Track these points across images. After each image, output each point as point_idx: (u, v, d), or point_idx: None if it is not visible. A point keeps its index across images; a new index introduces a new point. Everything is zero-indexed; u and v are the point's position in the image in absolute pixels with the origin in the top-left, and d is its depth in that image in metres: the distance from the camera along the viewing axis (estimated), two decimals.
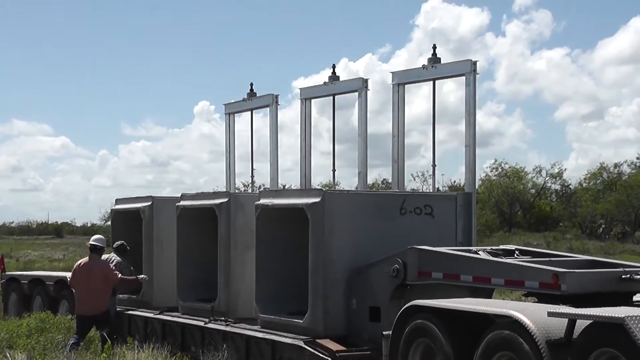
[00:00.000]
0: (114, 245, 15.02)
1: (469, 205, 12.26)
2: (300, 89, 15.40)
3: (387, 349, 9.41)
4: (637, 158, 61.32)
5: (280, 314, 11.67)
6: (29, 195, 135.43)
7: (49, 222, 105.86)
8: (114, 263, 14.29)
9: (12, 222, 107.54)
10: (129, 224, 15.69)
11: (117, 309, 14.97)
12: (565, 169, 66.71)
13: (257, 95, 16.41)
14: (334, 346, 10.53)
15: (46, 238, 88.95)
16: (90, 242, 13.23)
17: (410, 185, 49.43)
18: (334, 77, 14.74)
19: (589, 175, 64.09)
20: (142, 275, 14.50)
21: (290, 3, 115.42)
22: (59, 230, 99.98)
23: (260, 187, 25.90)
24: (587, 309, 7.44)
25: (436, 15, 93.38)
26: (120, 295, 15.31)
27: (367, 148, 14.19)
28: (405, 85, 13.55)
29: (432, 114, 13.26)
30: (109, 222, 17.96)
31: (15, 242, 72.37)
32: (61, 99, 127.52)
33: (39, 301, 17.26)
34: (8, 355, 10.84)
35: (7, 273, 19.27)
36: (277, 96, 15.84)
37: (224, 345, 11.81)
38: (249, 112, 16.95)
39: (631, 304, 8.45)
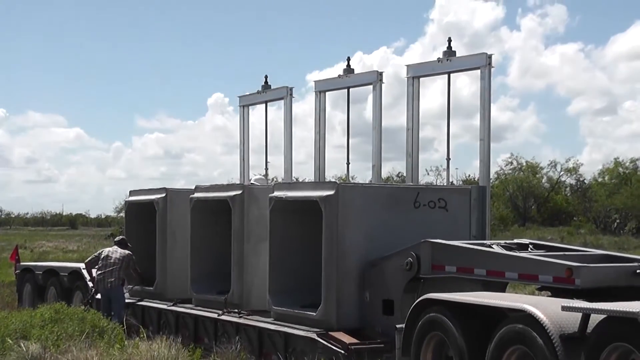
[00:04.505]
0: (115, 240, 15.32)
1: (483, 199, 12.22)
2: (315, 81, 15.37)
3: (400, 342, 9.40)
4: None
5: (293, 307, 11.66)
6: (43, 186, 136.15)
7: (63, 214, 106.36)
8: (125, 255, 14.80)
9: (27, 213, 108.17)
10: (143, 216, 15.72)
11: (131, 301, 15.03)
12: (581, 164, 66.46)
13: (272, 87, 16.40)
14: (347, 339, 10.53)
15: (60, 229, 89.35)
16: None
17: (424, 179, 49.38)
18: (348, 70, 14.70)
19: (604, 170, 63.81)
20: None
21: None
22: (73, 222, 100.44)
23: (274, 179, 25.91)
24: (601, 303, 7.41)
25: (451, 9, 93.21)
26: (134, 287, 15.37)
27: (381, 141, 14.16)
28: (420, 79, 13.51)
29: (447, 107, 13.21)
30: (123, 214, 18.00)
31: (30, 233, 72.76)
32: (75, 90, 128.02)
33: (53, 292, 17.33)
34: (22, 345, 10.86)
35: (22, 264, 19.33)
36: (291, 89, 15.82)
37: (237, 337, 11.82)
38: (263, 105, 16.94)
39: None
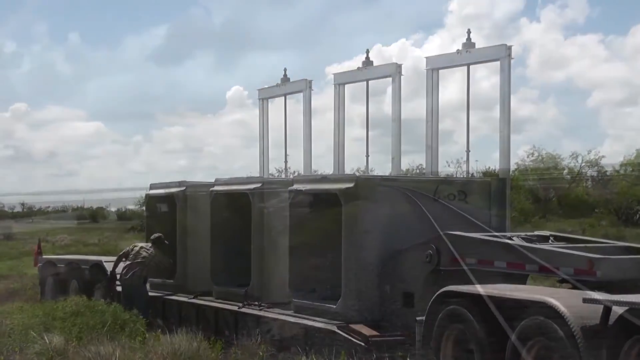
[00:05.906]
0: (151, 237, 15.10)
1: (503, 191, 12.18)
2: (334, 74, 15.36)
3: (421, 334, 9.39)
4: None
5: (313, 299, 11.68)
6: (64, 180, 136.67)
7: (85, 207, 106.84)
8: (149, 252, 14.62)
9: (49, 207, 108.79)
10: (163, 209, 15.77)
11: (153, 294, 15.08)
12: (603, 156, 65.96)
13: (291, 80, 16.39)
14: (367, 331, 10.54)
15: (81, 223, 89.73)
16: None
17: (444, 171, 49.10)
18: (367, 63, 14.68)
19: (625, 161, 63.33)
20: None
21: None
22: (94, 215, 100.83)
23: (293, 172, 25.91)
24: (623, 295, 7.37)
25: (470, 1, 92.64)
26: (155, 280, 15.42)
27: (400, 133, 14.13)
28: (439, 71, 13.47)
29: (467, 99, 13.15)
30: (144, 207, 18.08)
31: (52, 227, 73.14)
32: (95, 84, 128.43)
33: (75, 285, 17.42)
34: (45, 338, 10.94)
35: (44, 257, 19.46)
36: (310, 81, 15.80)
37: (258, 330, 11.85)
38: (283, 98, 16.94)
39: None
